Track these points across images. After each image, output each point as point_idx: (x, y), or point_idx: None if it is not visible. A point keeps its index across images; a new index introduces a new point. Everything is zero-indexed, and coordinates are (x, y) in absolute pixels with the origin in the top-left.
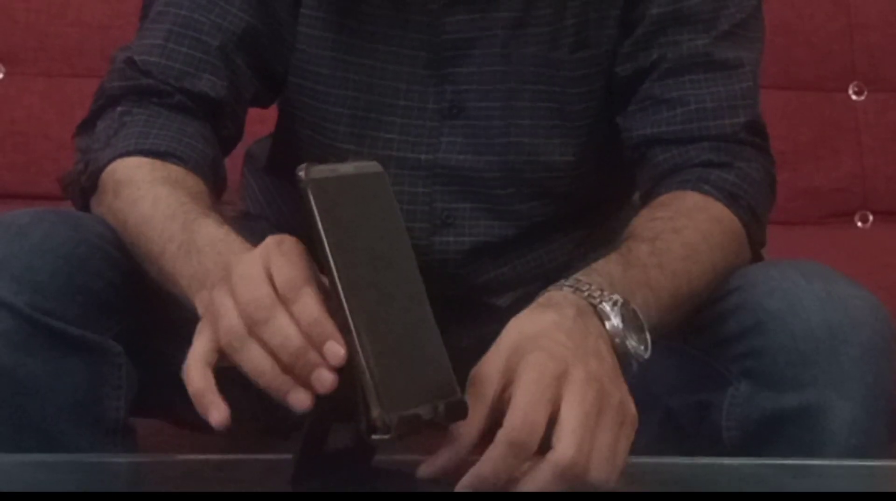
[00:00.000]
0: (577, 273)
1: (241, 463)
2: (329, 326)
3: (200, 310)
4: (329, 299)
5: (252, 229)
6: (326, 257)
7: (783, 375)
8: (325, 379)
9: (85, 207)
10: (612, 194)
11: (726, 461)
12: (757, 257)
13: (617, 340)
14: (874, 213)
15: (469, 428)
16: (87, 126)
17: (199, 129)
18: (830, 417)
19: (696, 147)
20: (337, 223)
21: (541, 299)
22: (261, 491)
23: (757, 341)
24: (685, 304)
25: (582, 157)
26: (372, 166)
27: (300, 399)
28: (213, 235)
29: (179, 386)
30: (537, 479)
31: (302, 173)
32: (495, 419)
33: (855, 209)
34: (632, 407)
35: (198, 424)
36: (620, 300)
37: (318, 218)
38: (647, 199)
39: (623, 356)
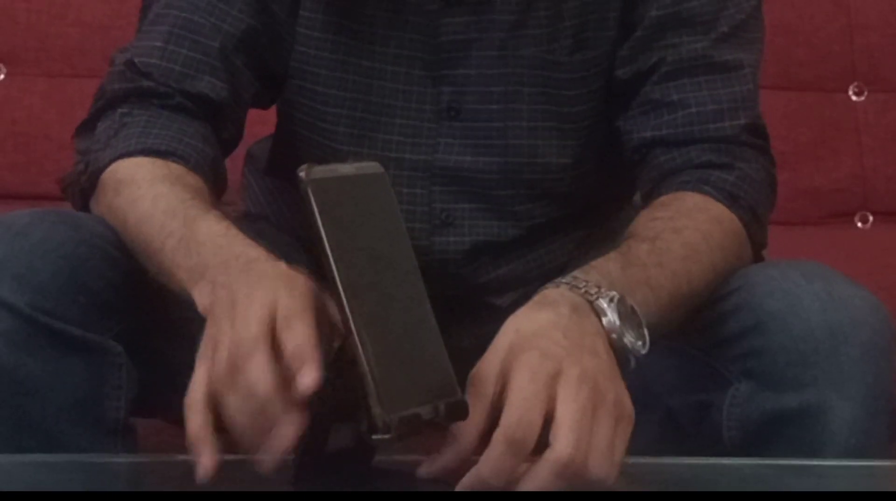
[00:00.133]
0: (575, 271)
1: (242, 463)
2: (281, 405)
3: (199, 302)
4: (333, 316)
5: (253, 229)
6: (327, 257)
7: (783, 375)
8: (283, 437)
9: (85, 207)
10: (611, 195)
11: (726, 461)
12: (758, 258)
13: (614, 336)
14: (874, 213)
15: (469, 428)
16: (86, 127)
17: (200, 129)
18: (831, 417)
19: (696, 148)
20: (337, 224)
21: (537, 298)
22: (261, 491)
23: (757, 341)
24: (685, 303)
25: (581, 158)
26: (372, 167)
27: (264, 462)
28: (213, 229)
29: (180, 386)
30: (536, 478)
31: (303, 174)
32: (495, 419)
33: (855, 210)
34: (628, 404)
35: None
36: (617, 297)
37: (318, 219)
38: (647, 200)
39: (621, 353)
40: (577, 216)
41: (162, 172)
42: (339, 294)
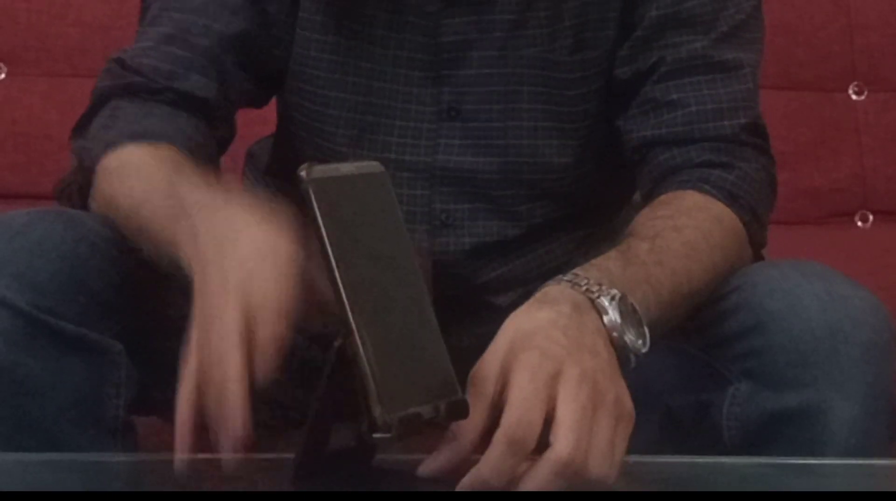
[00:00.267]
0: (576, 268)
1: (243, 462)
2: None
3: (189, 268)
4: (328, 301)
5: None
6: (328, 256)
7: (783, 375)
8: (231, 434)
9: (83, 205)
10: (612, 195)
11: (726, 460)
12: (758, 258)
13: (615, 334)
14: (874, 213)
15: (469, 427)
16: (81, 128)
17: (189, 120)
18: (831, 417)
19: (696, 148)
20: (338, 223)
21: (538, 295)
22: (261, 491)
23: (757, 340)
24: (685, 302)
25: (581, 158)
26: (373, 166)
27: (178, 465)
28: (200, 195)
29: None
30: (537, 477)
31: (303, 173)
32: (495, 418)
33: (855, 209)
34: (628, 403)
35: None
36: (618, 295)
37: (319, 218)
38: (647, 199)
39: (621, 351)
40: (578, 216)
41: (150, 152)
42: (339, 294)
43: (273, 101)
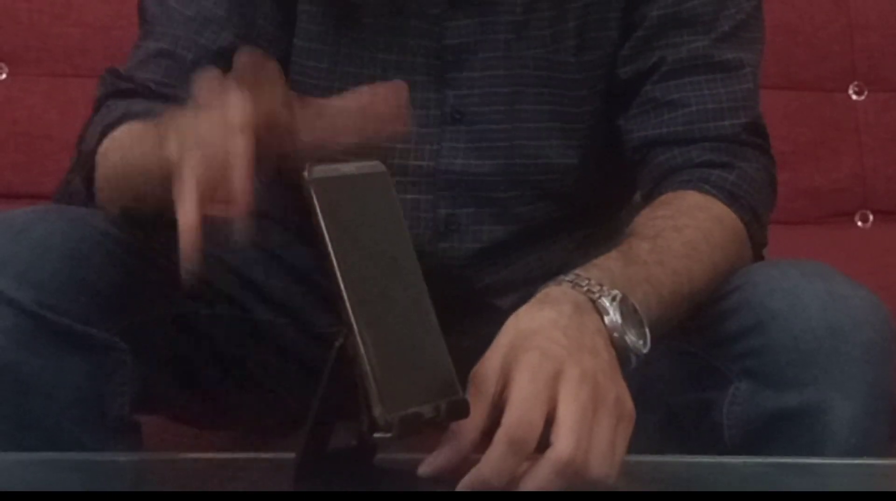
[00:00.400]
0: (577, 269)
1: (244, 462)
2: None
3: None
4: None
5: (257, 226)
6: (329, 256)
7: (784, 374)
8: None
9: (89, 199)
10: (613, 195)
11: (727, 460)
12: (758, 258)
13: (615, 334)
14: (874, 213)
15: (469, 426)
16: (83, 136)
17: None
18: (831, 416)
19: (697, 148)
20: (339, 223)
21: (539, 295)
22: (261, 491)
23: (758, 340)
24: (686, 302)
25: (584, 158)
26: (374, 166)
27: (185, 270)
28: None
29: (184, 383)
30: (537, 477)
31: (305, 173)
32: (495, 418)
33: (855, 209)
34: (629, 403)
35: (202, 421)
36: (619, 295)
37: (320, 217)
38: (648, 199)
39: (622, 351)
40: (579, 217)
41: (139, 122)
42: (340, 293)
43: None
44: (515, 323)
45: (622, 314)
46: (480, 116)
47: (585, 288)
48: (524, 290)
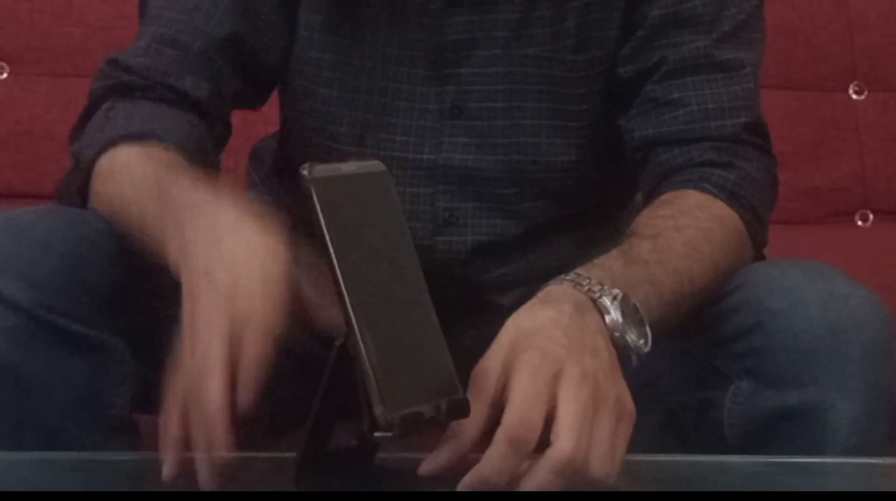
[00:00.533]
0: (578, 268)
1: (245, 462)
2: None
3: (177, 269)
4: (330, 295)
5: None
6: (329, 255)
7: (784, 373)
8: (214, 462)
9: (82, 206)
10: (614, 194)
11: (728, 459)
12: (759, 257)
13: (616, 334)
14: (874, 212)
15: (469, 425)
16: (78, 131)
17: (182, 115)
18: (831, 415)
19: (697, 147)
20: (340, 222)
21: (540, 295)
22: (262, 491)
23: (758, 339)
24: (686, 301)
25: (583, 157)
26: (375, 166)
27: (200, 474)
28: (188, 196)
29: None
30: (538, 477)
31: (305, 173)
32: (496, 417)
33: (855, 209)
34: (629, 402)
35: None
36: (620, 295)
37: (321, 217)
38: (649, 198)
39: (623, 350)
40: (579, 215)
41: (138, 154)
42: (341, 293)
43: (275, 100)
44: (516, 322)
45: (623, 314)
46: (480, 112)
47: (586, 287)
48: (524, 288)
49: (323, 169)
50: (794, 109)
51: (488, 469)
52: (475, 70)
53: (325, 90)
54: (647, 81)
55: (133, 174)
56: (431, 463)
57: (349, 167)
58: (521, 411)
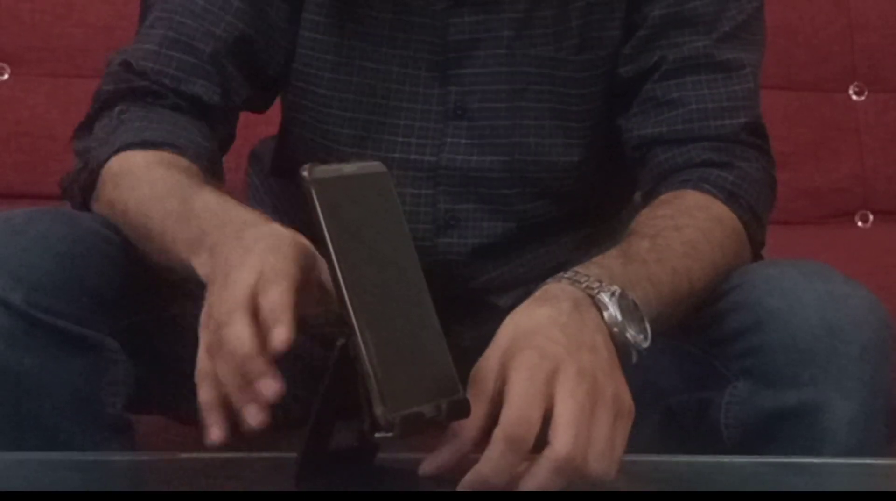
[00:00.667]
0: (577, 266)
1: (245, 462)
2: (261, 362)
3: (199, 271)
4: (331, 297)
5: None
6: (330, 256)
7: (782, 373)
8: (268, 388)
9: (84, 206)
10: (614, 194)
11: (726, 459)
12: (757, 257)
13: (615, 330)
14: (874, 213)
15: (469, 425)
16: (84, 129)
17: (195, 124)
18: (829, 415)
19: (696, 147)
20: (340, 223)
21: (538, 293)
22: (262, 491)
23: (756, 339)
24: (685, 301)
25: (585, 157)
26: (375, 167)
27: (249, 414)
28: (209, 200)
29: (179, 382)
30: (537, 476)
31: (305, 173)
32: (496, 416)
33: (855, 209)
34: (628, 399)
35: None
36: (618, 291)
37: (321, 218)
38: (648, 198)
39: (622, 347)
40: (580, 215)
41: (157, 158)
42: (341, 293)
43: (276, 101)
44: (514, 322)
45: (621, 310)
46: (482, 112)
47: (584, 285)
48: (524, 288)
49: (323, 170)
50: (794, 110)
51: (487, 468)
52: (478, 70)
53: (327, 91)
54: (647, 81)
55: (153, 177)
56: (432, 463)
57: (350, 168)
58: (518, 410)
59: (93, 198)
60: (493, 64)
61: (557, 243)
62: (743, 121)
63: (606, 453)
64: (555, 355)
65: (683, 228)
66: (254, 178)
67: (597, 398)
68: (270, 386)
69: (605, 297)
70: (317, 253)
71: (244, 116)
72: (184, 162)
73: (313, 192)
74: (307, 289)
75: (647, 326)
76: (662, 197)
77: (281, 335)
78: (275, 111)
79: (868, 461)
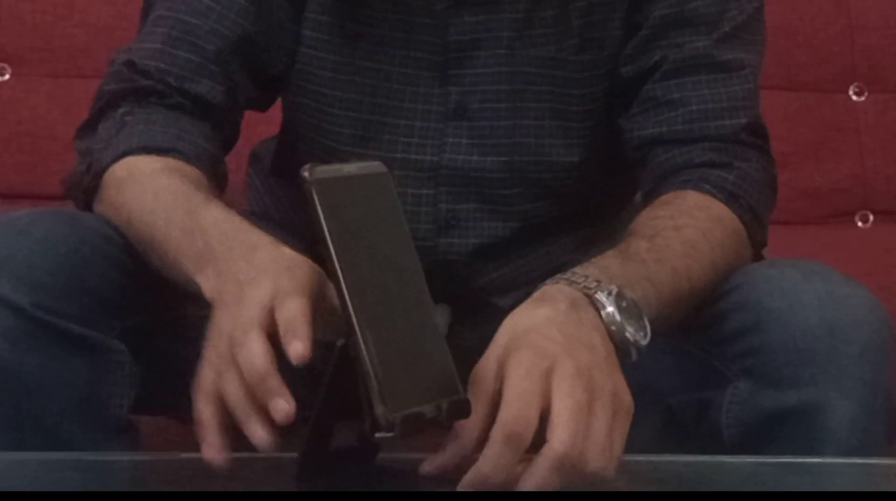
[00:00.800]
0: (575, 267)
1: (245, 462)
2: (274, 381)
3: (205, 287)
4: (334, 302)
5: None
6: (330, 256)
7: (783, 373)
8: (281, 410)
9: (87, 207)
10: (614, 194)
11: (726, 459)
12: (758, 258)
13: (613, 328)
14: (874, 213)
15: (470, 426)
16: (87, 129)
17: (199, 127)
18: (829, 415)
19: (697, 147)
20: (341, 223)
21: (536, 294)
22: (263, 491)
23: (757, 339)
24: (685, 300)
25: (585, 157)
26: (376, 167)
27: (257, 434)
28: (217, 217)
29: (184, 384)
30: (536, 474)
31: (306, 173)
32: (496, 416)
33: (855, 209)
34: (627, 397)
35: None
36: (616, 290)
37: (322, 218)
38: (648, 198)
39: (621, 345)
40: (580, 216)
41: (162, 165)
42: (342, 293)
43: (277, 101)
44: (512, 322)
45: (619, 308)
46: (483, 112)
47: (582, 285)
48: (524, 289)
49: (324, 170)
50: (794, 110)
51: (486, 467)
52: (479, 71)
53: (328, 91)
54: (648, 81)
55: (157, 185)
56: (432, 463)
57: (350, 168)
58: (515, 408)
59: (96, 200)
60: (494, 64)
61: (558, 244)
62: (743, 121)
63: (605, 450)
64: (552, 353)
65: (683, 228)
66: (254, 178)
67: (594, 396)
68: (283, 408)
69: (602, 296)
70: (327, 278)
71: (245, 116)
72: (188, 169)
73: (314, 192)
74: (318, 311)
75: (647, 323)
76: (663, 197)
77: (298, 349)
78: (275, 111)
79: (868, 461)
